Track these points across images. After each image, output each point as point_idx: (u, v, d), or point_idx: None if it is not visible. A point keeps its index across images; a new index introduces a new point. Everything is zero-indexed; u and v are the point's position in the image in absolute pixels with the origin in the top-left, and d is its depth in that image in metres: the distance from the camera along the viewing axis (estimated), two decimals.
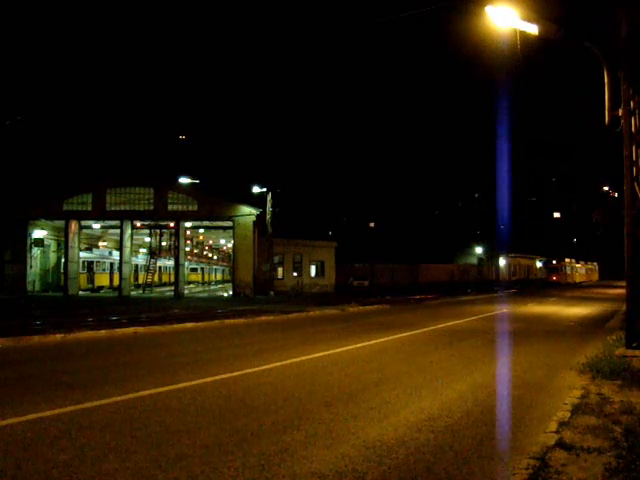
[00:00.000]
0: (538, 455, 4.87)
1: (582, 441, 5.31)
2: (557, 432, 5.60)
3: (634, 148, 10.27)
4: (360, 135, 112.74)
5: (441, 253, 73.33)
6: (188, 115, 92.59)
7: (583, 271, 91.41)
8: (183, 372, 9.02)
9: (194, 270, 73.69)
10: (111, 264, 47.18)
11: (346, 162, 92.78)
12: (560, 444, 5.17)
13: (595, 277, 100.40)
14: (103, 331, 14.86)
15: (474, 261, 78.95)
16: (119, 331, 15.09)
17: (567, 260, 78.62)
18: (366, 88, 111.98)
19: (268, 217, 40.72)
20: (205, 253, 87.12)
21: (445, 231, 77.71)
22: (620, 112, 10.32)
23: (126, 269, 41.05)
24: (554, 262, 73.44)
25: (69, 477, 4.47)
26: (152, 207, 39.94)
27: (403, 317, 22.22)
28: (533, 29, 10.33)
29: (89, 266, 44.49)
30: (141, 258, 55.47)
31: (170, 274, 56.61)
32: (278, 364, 9.95)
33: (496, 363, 10.90)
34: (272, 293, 40.00)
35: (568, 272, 78.31)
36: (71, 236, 39.57)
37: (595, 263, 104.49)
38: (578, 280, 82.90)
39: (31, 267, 39.66)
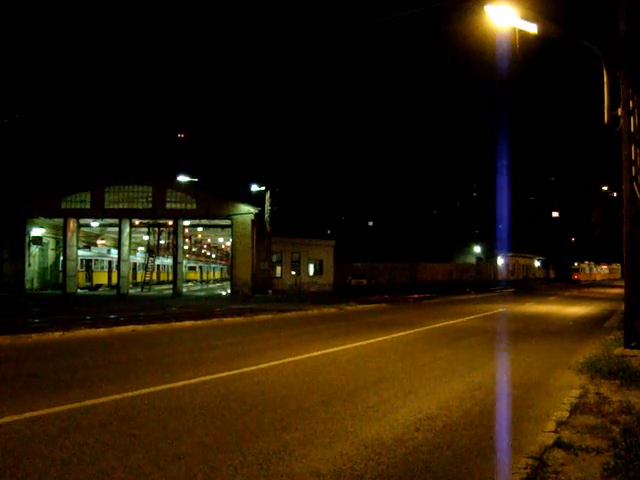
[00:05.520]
0: (536, 455, 4.87)
1: (581, 441, 5.31)
2: (555, 432, 5.60)
3: (633, 148, 10.28)
4: (359, 134, 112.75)
5: (440, 252, 73.42)
6: (187, 113, 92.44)
7: (600, 271, 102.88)
8: (181, 370, 9.01)
9: (192, 269, 73.73)
10: (109, 262, 47.16)
11: (345, 161, 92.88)
12: (558, 444, 5.17)
13: (617, 277, 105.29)
14: (101, 329, 14.85)
15: (473, 260, 79.07)
16: (117, 329, 15.07)
17: (586, 262, 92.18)
18: (365, 87, 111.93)
19: (267, 216, 40.71)
20: (203, 252, 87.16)
21: (444, 230, 77.73)
22: (619, 112, 10.32)
23: (124, 267, 41.03)
24: (576, 264, 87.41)
25: (67, 475, 4.46)
26: (151, 205, 39.93)
27: (401, 316, 22.21)
28: (532, 28, 10.33)
29: (87, 264, 44.47)
30: (139, 256, 55.45)
31: (168, 272, 56.58)
32: (276, 363, 9.94)
33: (494, 362, 10.91)
34: (270, 292, 40.00)
35: (587, 272, 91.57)
36: (69, 234, 39.53)
37: (618, 264, 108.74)
38: (595, 279, 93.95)
39: (29, 265, 39.62)
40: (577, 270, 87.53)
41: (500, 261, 79.72)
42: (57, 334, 13.66)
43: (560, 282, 77.28)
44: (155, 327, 16.15)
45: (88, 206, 39.57)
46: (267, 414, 6.39)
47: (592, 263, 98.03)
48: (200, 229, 53.70)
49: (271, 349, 11.89)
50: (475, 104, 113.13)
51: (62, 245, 40.86)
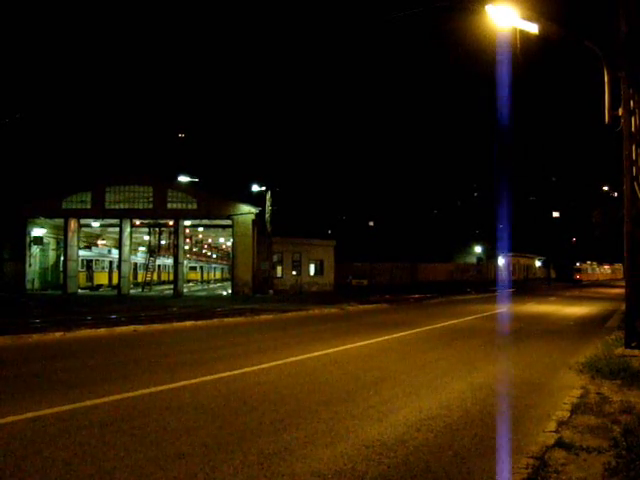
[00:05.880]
0: (537, 454, 4.87)
1: (581, 441, 5.31)
2: (556, 432, 5.60)
3: (634, 148, 10.28)
4: (359, 134, 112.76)
5: (440, 252, 73.43)
6: (187, 113, 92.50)
7: (603, 271, 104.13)
8: (182, 370, 9.02)
9: (193, 269, 73.72)
10: (110, 262, 47.17)
11: (345, 161, 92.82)
12: (559, 444, 5.17)
13: (619, 277, 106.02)
14: (102, 329, 14.86)
15: (473, 260, 79.11)
16: (118, 329, 15.08)
17: (588, 262, 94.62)
18: (365, 87, 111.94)
19: (267, 216, 40.72)
20: (204, 252, 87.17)
21: (444, 230, 77.71)
22: (620, 112, 10.33)
23: (125, 267, 41.04)
24: (578, 264, 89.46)
25: (68, 475, 4.47)
26: (151, 205, 39.95)
27: (402, 316, 22.21)
28: (533, 28, 10.34)
29: (88, 264, 44.49)
30: (140, 256, 55.46)
31: (169, 272, 56.61)
32: (278, 363, 9.95)
33: (495, 362, 10.90)
34: (271, 292, 40.01)
35: (590, 272, 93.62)
36: (70, 234, 39.54)
37: (620, 264, 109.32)
38: (598, 278, 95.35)
39: (30, 265, 39.63)
40: (579, 270, 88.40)
41: (501, 261, 79.71)
42: (58, 334, 13.67)
43: (561, 282, 77.23)
44: (156, 327, 16.16)
45: (89, 206, 39.59)
46: (268, 414, 6.39)
47: (595, 263, 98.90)
48: (201, 229, 53.71)
49: (272, 349, 11.90)
50: (476, 104, 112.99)
51: (63, 245, 40.86)
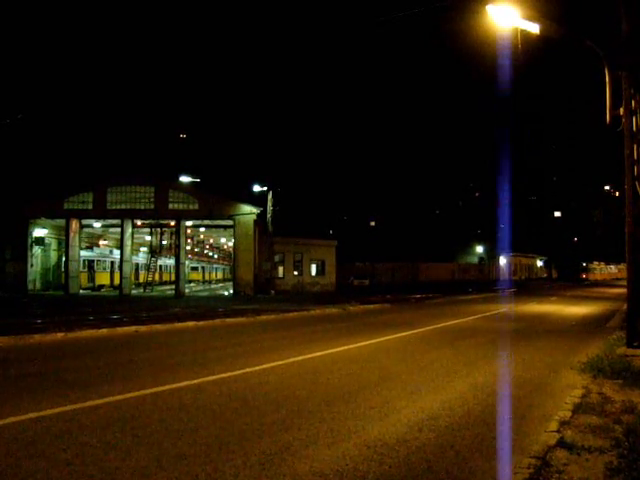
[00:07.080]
0: (539, 454, 4.86)
1: (583, 440, 5.30)
2: (558, 431, 5.59)
3: (635, 147, 10.28)
4: (361, 134, 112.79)
5: (442, 252, 73.48)
6: (189, 114, 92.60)
7: (609, 271, 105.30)
8: (184, 371, 9.02)
9: (195, 269, 73.86)
10: (112, 263, 47.22)
11: (347, 161, 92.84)
12: (561, 443, 5.16)
13: (625, 276, 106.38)
14: (104, 330, 14.87)
15: (475, 260, 79.20)
16: (120, 330, 15.09)
17: (595, 262, 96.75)
18: (367, 86, 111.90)
19: (269, 216, 40.77)
20: (206, 252, 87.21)
21: (446, 230, 77.77)
22: (621, 111, 10.32)
23: (127, 268, 41.08)
24: (584, 264, 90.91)
25: (70, 476, 4.47)
26: (153, 206, 39.98)
27: (404, 316, 22.20)
28: (534, 28, 10.34)
29: (90, 265, 44.56)
30: (142, 257, 55.54)
31: (171, 273, 56.69)
32: (279, 363, 9.95)
33: (497, 362, 10.89)
34: (273, 292, 40.04)
35: (596, 272, 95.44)
36: (72, 235, 39.59)
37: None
38: (605, 278, 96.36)
39: (32, 266, 39.68)
40: (586, 269, 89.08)
41: (502, 261, 79.81)
42: (60, 335, 13.68)
43: (563, 282, 77.08)
44: (158, 328, 16.17)
45: (90, 207, 39.64)
46: (270, 414, 6.39)
47: (602, 263, 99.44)
48: (202, 229, 53.75)
49: (273, 349, 11.90)
50: (476, 104, 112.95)
51: (64, 246, 40.92)
